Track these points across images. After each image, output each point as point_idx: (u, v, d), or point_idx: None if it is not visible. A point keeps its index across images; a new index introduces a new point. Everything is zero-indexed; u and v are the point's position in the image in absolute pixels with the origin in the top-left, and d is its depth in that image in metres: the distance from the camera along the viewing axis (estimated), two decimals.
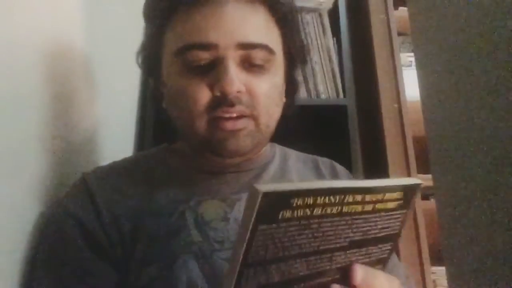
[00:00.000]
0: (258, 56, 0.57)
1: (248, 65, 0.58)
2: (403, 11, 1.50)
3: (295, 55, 0.66)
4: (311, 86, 1.23)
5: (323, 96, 1.24)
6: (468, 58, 0.19)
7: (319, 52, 1.26)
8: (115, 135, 0.94)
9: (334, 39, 1.29)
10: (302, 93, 1.22)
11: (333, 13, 1.32)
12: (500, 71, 0.18)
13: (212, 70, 0.56)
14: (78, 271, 0.53)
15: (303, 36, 1.23)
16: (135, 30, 1.14)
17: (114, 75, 0.92)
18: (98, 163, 0.79)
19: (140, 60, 0.68)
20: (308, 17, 1.27)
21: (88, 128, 0.77)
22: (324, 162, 0.75)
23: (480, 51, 0.18)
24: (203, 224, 0.56)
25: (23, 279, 0.53)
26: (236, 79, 0.55)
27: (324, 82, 1.25)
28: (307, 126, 0.93)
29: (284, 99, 0.66)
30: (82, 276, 0.52)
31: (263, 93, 0.58)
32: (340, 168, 0.75)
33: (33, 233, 0.56)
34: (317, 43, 1.25)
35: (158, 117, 1.15)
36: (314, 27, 1.27)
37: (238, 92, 0.55)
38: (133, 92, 1.14)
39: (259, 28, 0.59)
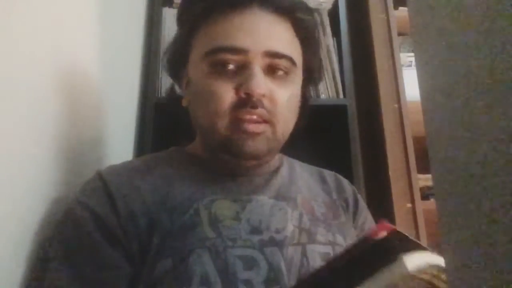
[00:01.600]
0: (282, 64, 0.62)
1: (272, 73, 0.61)
2: (403, 11, 1.50)
3: (312, 73, 0.70)
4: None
5: (323, 96, 1.24)
6: (468, 58, 0.19)
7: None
8: (116, 138, 0.94)
9: (334, 39, 1.29)
10: None
11: (333, 13, 1.32)
12: (501, 70, 0.18)
13: (238, 74, 0.60)
14: (95, 263, 0.54)
15: None
16: (135, 36, 1.14)
17: (115, 80, 0.92)
18: (101, 164, 0.79)
19: (165, 61, 0.72)
20: None
21: (92, 131, 0.78)
22: (329, 174, 0.77)
23: (480, 51, 0.18)
24: (216, 221, 0.57)
25: (30, 275, 0.54)
26: (263, 84, 0.59)
27: (324, 82, 1.25)
28: (307, 126, 0.93)
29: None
30: (99, 268, 0.53)
31: (283, 101, 0.62)
32: (345, 181, 0.77)
33: (37, 234, 0.56)
34: None
35: (157, 122, 1.15)
36: None
37: (262, 95, 0.59)
38: (133, 97, 1.14)
39: (285, 40, 0.63)
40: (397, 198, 1.19)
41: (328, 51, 1.27)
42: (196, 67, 0.64)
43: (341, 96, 1.24)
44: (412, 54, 1.48)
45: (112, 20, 0.91)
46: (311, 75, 0.71)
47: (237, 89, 0.59)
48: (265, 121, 0.60)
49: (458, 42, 0.21)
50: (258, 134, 0.60)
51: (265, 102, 0.60)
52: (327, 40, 1.27)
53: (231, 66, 0.60)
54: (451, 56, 0.22)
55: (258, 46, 0.60)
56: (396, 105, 1.30)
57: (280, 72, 0.62)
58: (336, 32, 1.30)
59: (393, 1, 1.43)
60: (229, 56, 0.60)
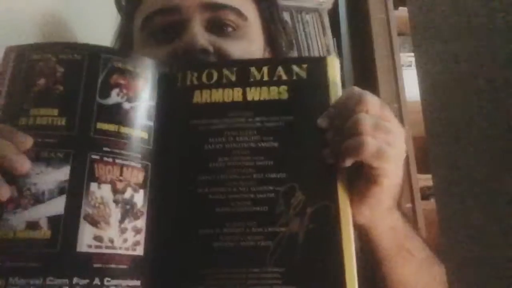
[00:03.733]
0: (227, 18, 0.54)
1: (218, 28, 0.54)
2: (403, 11, 1.50)
3: (274, 37, 0.62)
4: None
5: None
6: (468, 58, 0.19)
7: (319, 52, 1.26)
8: None
9: (334, 39, 1.30)
10: None
11: (333, 13, 1.33)
12: (501, 70, 0.18)
13: (178, 37, 0.53)
14: None
15: (303, 36, 1.23)
16: None
17: None
18: None
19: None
20: (308, 17, 1.27)
21: None
22: None
23: (480, 51, 0.18)
24: None
25: None
26: (200, 36, 0.51)
27: None
28: None
29: None
30: None
31: (236, 56, 0.53)
32: None
33: None
34: (317, 43, 1.26)
35: None
36: (314, 27, 1.27)
37: (204, 50, 0.51)
38: None
39: None
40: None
41: (328, 51, 1.27)
42: (137, 44, 0.57)
43: None
44: (412, 54, 1.48)
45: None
46: (273, 40, 0.62)
47: (175, 51, 0.51)
48: None
49: (458, 42, 0.21)
50: None
51: (212, 58, 0.51)
52: (327, 40, 1.28)
53: (168, 29, 0.53)
54: (451, 56, 0.22)
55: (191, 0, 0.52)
56: (396, 105, 1.30)
57: (229, 29, 0.54)
58: (336, 32, 1.30)
59: (393, 1, 1.43)
60: (163, 18, 0.53)
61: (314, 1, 1.28)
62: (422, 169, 1.25)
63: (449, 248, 0.22)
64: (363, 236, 0.43)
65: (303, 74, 0.42)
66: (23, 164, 0.34)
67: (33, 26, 0.62)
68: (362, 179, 0.39)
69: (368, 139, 0.37)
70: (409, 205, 1.19)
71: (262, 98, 0.41)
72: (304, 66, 0.42)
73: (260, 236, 0.37)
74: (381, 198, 0.40)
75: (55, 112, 0.37)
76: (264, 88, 0.41)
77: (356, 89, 0.43)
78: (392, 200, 0.41)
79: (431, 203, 1.28)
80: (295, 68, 0.42)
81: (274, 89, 0.41)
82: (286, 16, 1.25)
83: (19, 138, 0.35)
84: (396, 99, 1.30)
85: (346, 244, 0.36)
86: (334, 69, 0.42)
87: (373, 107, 0.40)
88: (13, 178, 0.34)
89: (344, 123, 0.39)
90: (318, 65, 0.42)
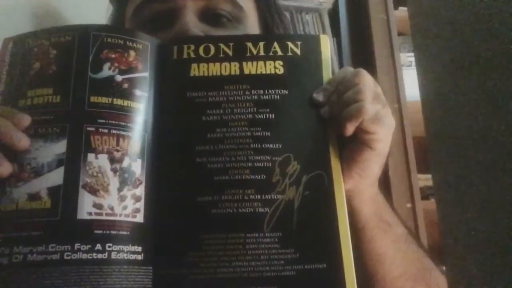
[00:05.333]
0: (221, 7, 0.52)
1: (213, 18, 0.52)
2: (403, 11, 1.50)
3: (273, 27, 0.60)
4: None
5: None
6: (468, 58, 0.19)
7: None
8: None
9: (334, 39, 1.30)
10: None
11: (333, 13, 1.33)
12: (500, 71, 0.18)
13: (170, 25, 0.51)
14: None
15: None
16: None
17: None
18: None
19: None
20: (308, 17, 1.28)
21: None
22: None
23: (480, 51, 0.19)
24: None
25: None
26: (192, 25, 0.49)
27: None
28: None
29: None
30: None
31: None
32: None
33: None
34: None
35: None
36: (314, 27, 1.27)
37: None
38: None
39: None
40: (397, 198, 1.19)
41: None
42: None
43: None
44: (412, 54, 1.48)
45: None
46: (270, 32, 0.60)
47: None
48: None
49: (458, 41, 0.21)
50: None
51: None
52: None
53: (159, 18, 0.51)
54: (451, 56, 0.22)
55: None
56: (396, 105, 1.30)
57: (223, 19, 0.52)
58: (336, 32, 1.30)
59: (393, 1, 1.43)
60: (155, 6, 0.51)
61: (314, 1, 1.28)
62: (422, 169, 1.25)
63: (449, 248, 0.22)
64: (346, 203, 0.44)
65: (297, 50, 0.43)
66: (23, 141, 0.36)
67: (28, 16, 0.63)
68: (355, 146, 0.41)
69: (367, 104, 0.39)
70: (409, 205, 1.19)
71: (258, 72, 0.42)
72: (298, 43, 0.43)
73: (257, 203, 0.38)
74: (372, 164, 0.42)
75: (50, 91, 0.38)
76: (261, 63, 0.42)
77: (350, 68, 0.45)
78: (379, 169, 0.43)
79: (431, 203, 1.28)
80: (290, 44, 0.43)
81: (270, 63, 0.42)
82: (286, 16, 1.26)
83: (18, 117, 0.37)
84: (396, 99, 1.30)
85: (339, 209, 0.39)
86: (327, 47, 0.44)
87: (369, 81, 0.42)
88: (14, 155, 0.36)
89: (342, 95, 0.40)
90: (311, 43, 0.44)
